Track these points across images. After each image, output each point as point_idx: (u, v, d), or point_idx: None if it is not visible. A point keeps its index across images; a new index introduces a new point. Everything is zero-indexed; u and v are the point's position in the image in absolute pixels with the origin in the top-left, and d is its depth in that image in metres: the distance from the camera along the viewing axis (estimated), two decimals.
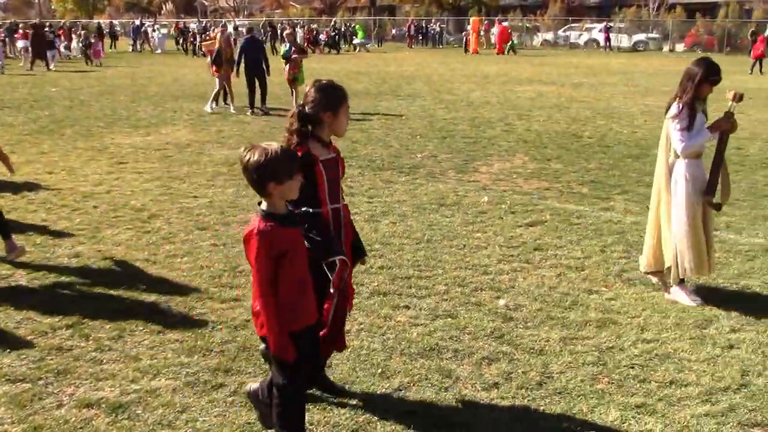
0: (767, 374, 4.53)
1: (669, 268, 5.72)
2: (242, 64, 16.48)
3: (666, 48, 48.41)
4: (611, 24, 49.65)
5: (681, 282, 5.76)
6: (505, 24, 46.39)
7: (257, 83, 16.56)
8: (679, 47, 48.19)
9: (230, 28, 45.79)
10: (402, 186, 9.49)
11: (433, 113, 16.61)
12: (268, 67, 16.71)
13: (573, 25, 54.29)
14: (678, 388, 4.35)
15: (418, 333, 5.08)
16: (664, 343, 4.96)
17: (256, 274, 3.23)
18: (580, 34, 51.77)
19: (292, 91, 17.15)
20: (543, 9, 58.75)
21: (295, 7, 72.42)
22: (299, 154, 3.68)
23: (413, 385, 4.38)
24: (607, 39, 47.68)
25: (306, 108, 3.89)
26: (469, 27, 46.16)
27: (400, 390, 4.31)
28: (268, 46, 33.35)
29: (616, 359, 4.72)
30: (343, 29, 50.09)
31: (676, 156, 5.64)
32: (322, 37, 46.57)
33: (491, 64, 33.84)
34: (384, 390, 4.31)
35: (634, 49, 47.75)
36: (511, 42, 43.84)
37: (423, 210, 8.30)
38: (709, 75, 5.48)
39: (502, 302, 5.63)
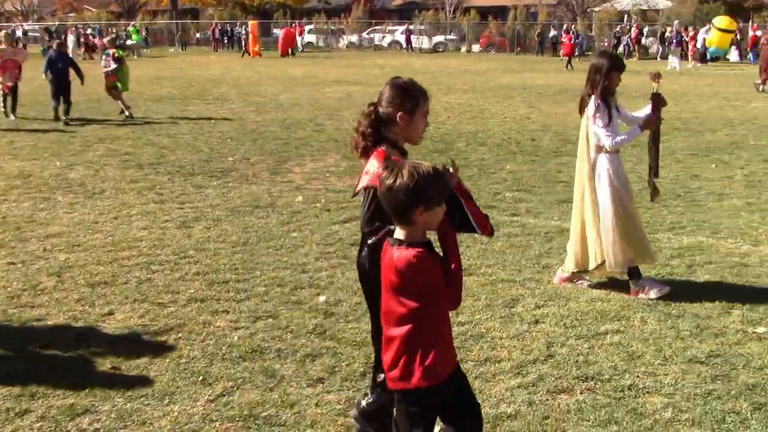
0: (569, 344, 4.88)
1: (599, 265, 5.79)
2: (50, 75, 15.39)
3: (464, 49, 51.01)
4: (412, 26, 51.55)
5: (637, 275, 5.77)
6: (289, 28, 46.69)
7: (62, 95, 15.46)
8: (476, 48, 50.96)
9: (19, 33, 42.41)
10: (214, 190, 9.28)
11: (243, 116, 16.41)
12: (81, 77, 15.69)
13: (376, 27, 55.80)
14: (492, 365, 4.59)
15: (239, 336, 4.98)
16: (477, 324, 5.20)
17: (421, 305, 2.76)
18: (384, 36, 53.32)
19: (114, 100, 16.32)
20: (347, 12, 59.84)
21: (90, 11, 68.61)
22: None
23: (237, 389, 4.28)
24: (409, 41, 49.44)
25: (380, 107, 3.48)
26: (248, 29, 45.11)
27: (224, 395, 4.21)
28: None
29: None
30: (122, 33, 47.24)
31: (597, 151, 5.80)
32: (98, 41, 43.12)
33: (296, 66, 33.95)
34: (207, 397, 4.19)
35: (435, 50, 49.88)
36: (294, 45, 44.39)
37: (237, 213, 8.16)
38: (614, 64, 5.65)
39: (322, 299, 5.65)
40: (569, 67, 32.38)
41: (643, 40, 44.75)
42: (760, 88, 22.04)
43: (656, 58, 40.15)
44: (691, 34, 37.61)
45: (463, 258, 6.46)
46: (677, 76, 28.01)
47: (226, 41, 52.79)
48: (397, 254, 2.73)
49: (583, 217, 5.89)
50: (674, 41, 36.13)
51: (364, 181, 3.40)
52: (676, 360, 4.65)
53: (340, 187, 9.43)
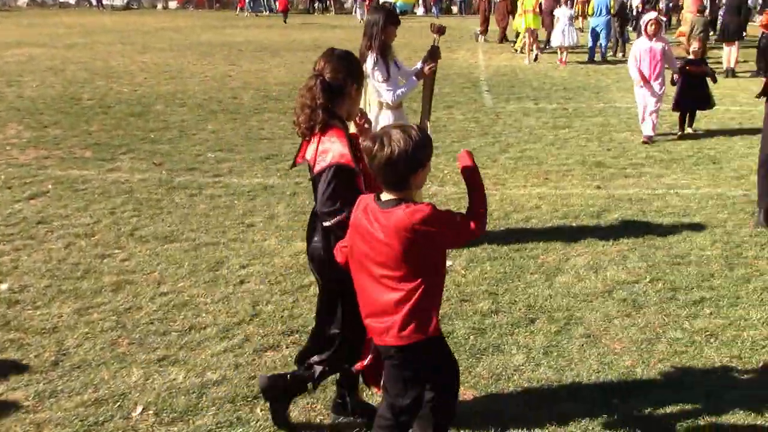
0: (275, 300, 4.91)
1: None
2: None
3: (160, 5, 48.73)
4: None
5: None
6: None
7: None
8: (173, 4, 48.95)
9: None
10: None
11: None
12: None
13: None
14: (197, 332, 4.47)
15: None
16: (180, 293, 5.03)
17: (455, 235, 2.75)
18: None
19: None
20: None
21: None
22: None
23: None
24: None
25: (327, 77, 3.15)
26: None
27: None
28: None
29: (135, 318, 4.65)
30: None
31: (380, 108, 5.70)
32: None
33: None
34: None
35: (128, 6, 47.02)
36: None
37: None
38: (389, 18, 5.62)
39: (4, 286, 5.10)
40: (285, 21, 33.32)
41: None
42: (480, 38, 23.79)
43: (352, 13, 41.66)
44: None
45: (164, 225, 6.27)
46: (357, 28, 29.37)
47: None
48: (401, 213, 2.65)
49: None
50: None
51: (327, 160, 3.11)
52: None
53: (24, 161, 8.56)
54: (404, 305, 2.74)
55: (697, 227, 6.24)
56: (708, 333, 4.42)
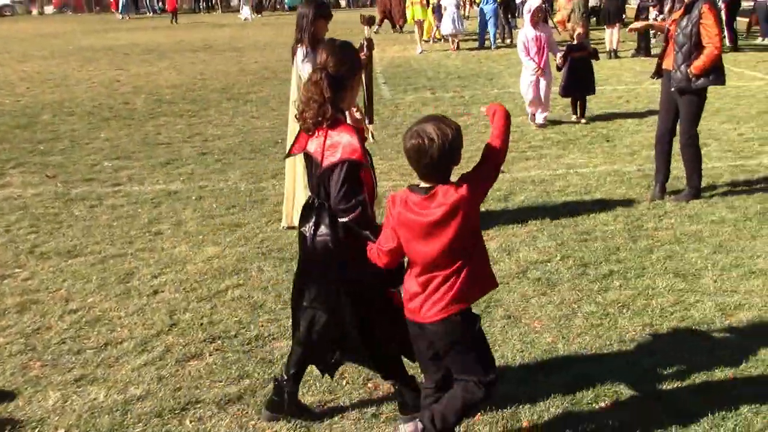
0: (192, 308, 4.79)
1: None
2: None
3: (35, 11, 46.55)
4: None
5: None
6: None
7: None
8: (49, 9, 46.89)
9: None
10: None
11: None
12: None
13: None
14: (114, 348, 4.30)
15: None
16: (91, 308, 4.83)
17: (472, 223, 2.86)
18: None
19: None
20: None
21: None
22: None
23: None
24: None
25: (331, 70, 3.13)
26: None
27: None
28: None
29: (45, 339, 4.43)
30: None
31: None
32: None
33: None
34: None
35: (1, 14, 44.73)
36: None
37: None
38: (319, 11, 5.50)
39: None
40: (174, 21, 32.57)
41: None
42: (375, 29, 23.74)
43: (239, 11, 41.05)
44: None
45: (65, 240, 6.01)
46: (245, 27, 29.08)
47: None
48: (454, 194, 2.77)
49: (294, 172, 5.75)
50: None
51: (338, 155, 3.09)
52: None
53: None
54: (458, 278, 2.85)
55: (599, 204, 6.48)
56: (620, 304, 4.60)
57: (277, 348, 4.23)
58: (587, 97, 10.14)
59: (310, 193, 3.37)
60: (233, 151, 8.96)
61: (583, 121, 9.91)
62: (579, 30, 10.51)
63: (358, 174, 3.10)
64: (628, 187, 6.91)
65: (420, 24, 19.46)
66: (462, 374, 3.00)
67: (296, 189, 5.82)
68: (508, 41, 19.65)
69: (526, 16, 9.80)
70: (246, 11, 34.83)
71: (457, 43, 18.73)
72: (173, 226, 6.39)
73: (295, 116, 3.29)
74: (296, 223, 5.68)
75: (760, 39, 18.57)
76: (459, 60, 17.09)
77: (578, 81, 9.95)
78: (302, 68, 5.50)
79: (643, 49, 16.63)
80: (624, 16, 18.44)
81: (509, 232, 5.94)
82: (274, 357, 4.13)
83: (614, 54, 16.52)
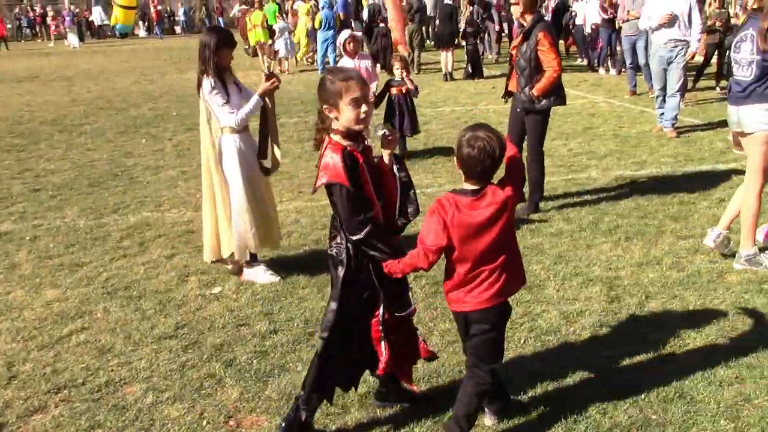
0: (32, 358, 4.45)
1: (232, 253, 5.45)
2: None
3: None
4: None
5: (254, 259, 5.63)
6: None
7: None
8: None
9: None
10: None
11: None
12: None
13: None
14: None
15: None
16: None
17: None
18: None
19: None
20: None
21: None
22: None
23: None
24: None
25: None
26: None
27: None
28: None
29: None
30: None
31: (223, 133, 5.30)
32: None
33: None
34: None
35: None
36: None
37: None
38: (221, 40, 5.27)
39: None
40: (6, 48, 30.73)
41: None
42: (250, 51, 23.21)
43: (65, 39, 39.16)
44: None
45: None
46: (74, 55, 27.85)
47: None
48: (501, 193, 3.15)
49: (214, 204, 5.49)
50: (67, 19, 36.01)
51: (325, 177, 3.22)
52: (147, 341, 4.63)
53: None
54: (516, 260, 3.33)
55: None
56: None
57: (129, 393, 4.01)
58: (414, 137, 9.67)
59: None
60: (69, 187, 8.50)
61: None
62: (397, 65, 9.47)
63: (350, 191, 3.18)
64: None
65: (261, 46, 19.50)
66: (479, 359, 3.35)
67: (219, 220, 5.53)
68: None
69: (339, 48, 9.45)
70: (73, 38, 33.43)
71: (287, 64, 19.07)
72: (6, 270, 5.95)
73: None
74: (225, 255, 5.61)
75: (579, 60, 20.00)
76: (301, 85, 17.15)
77: (400, 119, 9.25)
78: (210, 100, 5.29)
79: (478, 70, 17.46)
80: (456, 40, 19.27)
81: None
82: (127, 402, 3.91)
83: (450, 76, 17.20)
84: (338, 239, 3.34)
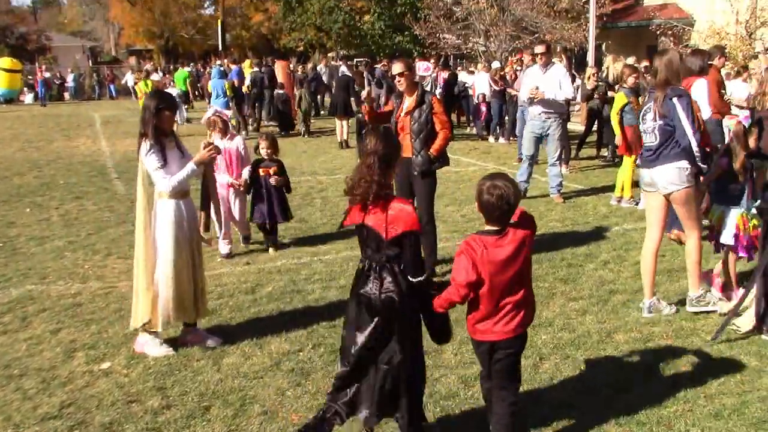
0: None
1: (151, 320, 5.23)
2: None
3: None
4: None
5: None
6: None
7: None
8: None
9: None
10: None
11: None
12: None
13: None
14: None
15: None
16: None
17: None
18: None
19: None
20: None
21: None
22: None
23: None
24: None
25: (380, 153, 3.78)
26: None
27: None
28: None
29: None
30: None
31: (160, 197, 5.15)
32: None
33: None
34: None
35: None
36: None
37: None
38: (161, 103, 5.22)
39: None
40: None
41: None
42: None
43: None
44: None
45: None
46: None
47: None
48: (521, 231, 3.62)
49: (145, 270, 5.28)
50: None
51: (401, 227, 3.66)
52: (29, 423, 4.36)
53: None
54: (531, 299, 3.77)
55: (344, 290, 6.67)
56: None
57: None
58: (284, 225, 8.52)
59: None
60: None
61: (272, 251, 8.09)
62: (263, 144, 8.09)
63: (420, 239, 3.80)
64: None
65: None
66: (507, 381, 3.76)
67: (139, 289, 5.33)
68: (244, 133, 19.94)
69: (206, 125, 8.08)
70: None
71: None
72: None
73: (344, 191, 3.80)
74: (137, 324, 5.31)
75: (468, 129, 20.71)
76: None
77: (269, 205, 8.03)
78: (147, 162, 5.20)
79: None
80: (349, 109, 19.59)
81: (261, 324, 5.89)
82: None
83: (345, 144, 17.44)
84: (386, 283, 3.71)
